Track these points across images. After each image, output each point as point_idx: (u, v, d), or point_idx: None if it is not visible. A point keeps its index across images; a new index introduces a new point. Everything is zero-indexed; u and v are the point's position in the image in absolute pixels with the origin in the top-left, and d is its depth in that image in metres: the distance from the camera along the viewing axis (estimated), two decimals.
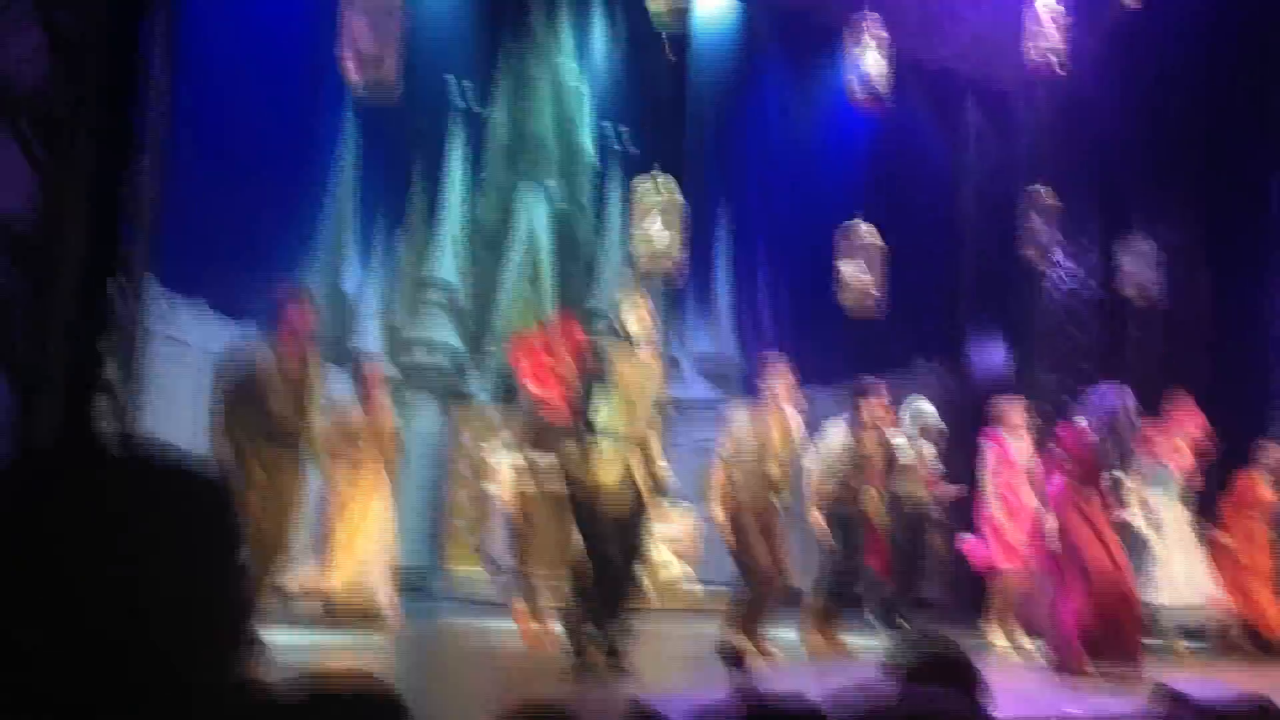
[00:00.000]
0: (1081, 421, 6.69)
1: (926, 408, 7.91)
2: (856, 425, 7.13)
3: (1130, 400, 6.70)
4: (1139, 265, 9.91)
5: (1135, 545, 7.74)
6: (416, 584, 9.02)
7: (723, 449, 6.51)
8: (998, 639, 7.42)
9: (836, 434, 7.13)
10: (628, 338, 5.76)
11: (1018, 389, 11.54)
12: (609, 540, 5.49)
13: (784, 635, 6.86)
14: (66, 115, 2.79)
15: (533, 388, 6.80)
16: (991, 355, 11.91)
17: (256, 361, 5.73)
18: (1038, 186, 9.41)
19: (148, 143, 6.54)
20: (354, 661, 5.68)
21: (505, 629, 6.94)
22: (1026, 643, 7.26)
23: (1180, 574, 7.67)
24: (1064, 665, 6.14)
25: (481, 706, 4.50)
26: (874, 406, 7.19)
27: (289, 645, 5.64)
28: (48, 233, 2.79)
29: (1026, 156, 11.62)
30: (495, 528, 7.28)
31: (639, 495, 5.61)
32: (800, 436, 6.76)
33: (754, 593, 6.44)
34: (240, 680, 0.85)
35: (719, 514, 6.49)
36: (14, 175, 2.78)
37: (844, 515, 7.03)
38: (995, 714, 4.29)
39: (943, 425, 7.92)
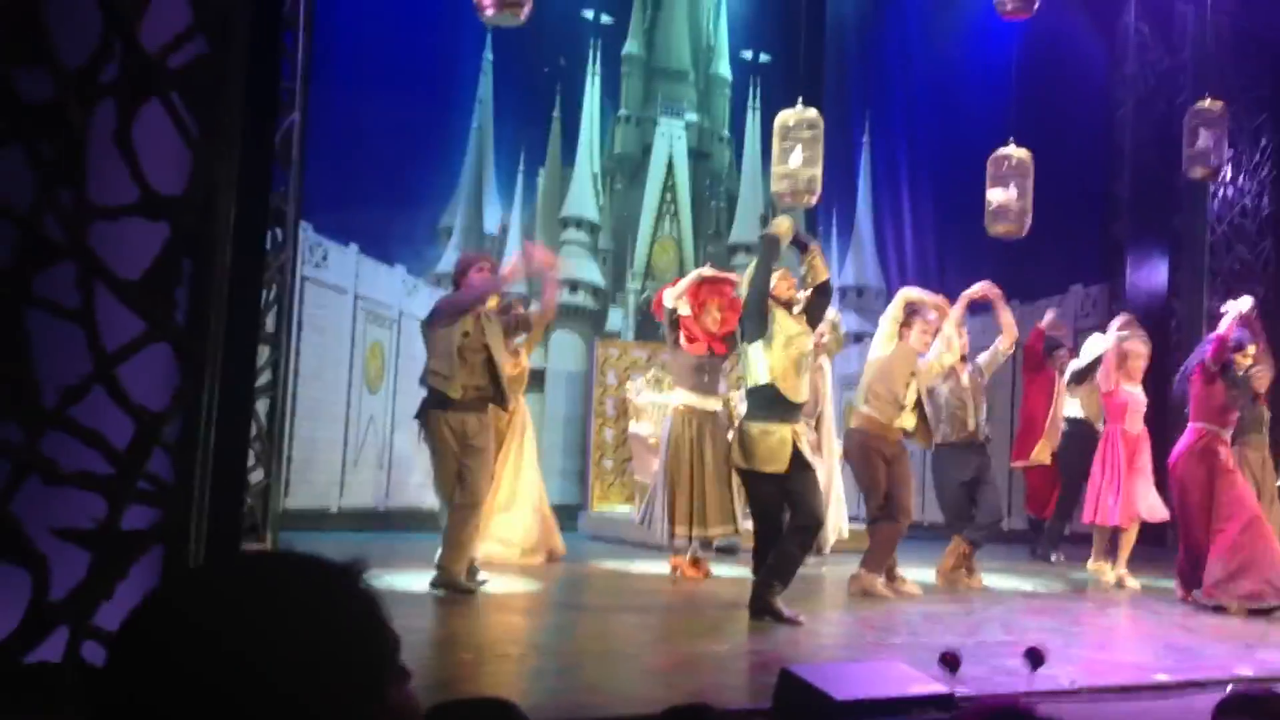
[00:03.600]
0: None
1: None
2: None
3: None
4: None
5: None
6: (565, 524, 9.16)
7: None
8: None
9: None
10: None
11: (1181, 312, 11.03)
12: (776, 502, 5.44)
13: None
14: (215, 85, 2.79)
15: (685, 344, 6.77)
16: (1153, 278, 11.38)
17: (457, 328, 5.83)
18: (1205, 101, 8.85)
19: (295, 98, 6.69)
20: (510, 603, 5.79)
21: (651, 573, 7.01)
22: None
23: None
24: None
25: (634, 661, 4.55)
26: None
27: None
28: (203, 202, 2.82)
29: (1191, 66, 10.96)
30: (642, 468, 7.31)
31: (801, 458, 5.46)
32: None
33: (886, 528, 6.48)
34: None
35: None
36: (171, 152, 2.81)
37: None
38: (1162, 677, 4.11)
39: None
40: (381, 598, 0.83)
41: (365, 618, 0.80)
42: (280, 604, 0.78)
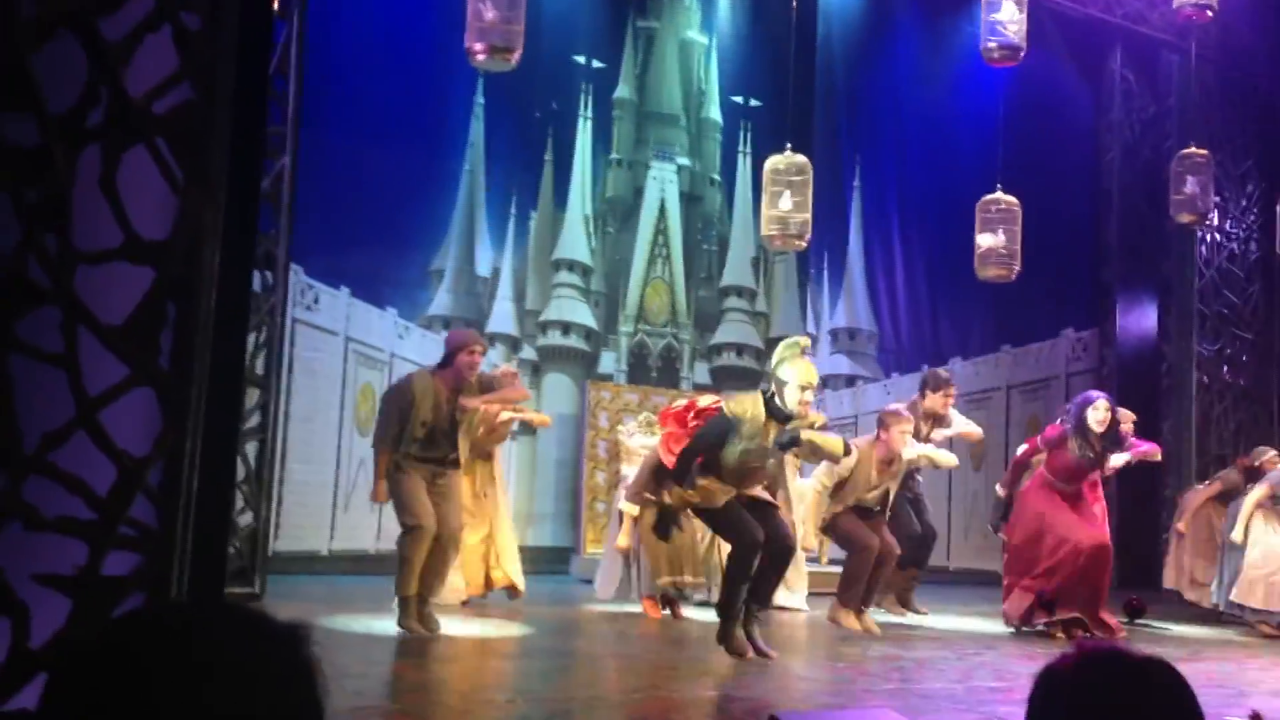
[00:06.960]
0: (1060, 423, 6.95)
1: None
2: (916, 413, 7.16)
3: (1103, 402, 6.80)
4: None
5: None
6: (557, 567, 9.12)
7: (821, 484, 6.67)
8: None
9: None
10: (784, 410, 5.17)
11: (1171, 357, 11.07)
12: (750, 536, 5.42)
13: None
14: (201, 131, 2.81)
15: (663, 456, 6.74)
16: (1142, 322, 11.44)
17: (415, 387, 5.79)
18: (1191, 148, 8.93)
19: (286, 142, 6.72)
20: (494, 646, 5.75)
21: (642, 615, 6.99)
22: None
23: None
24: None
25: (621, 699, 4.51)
26: (937, 400, 7.37)
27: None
28: (188, 246, 2.83)
29: (1177, 113, 11.07)
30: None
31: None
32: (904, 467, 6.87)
33: (856, 563, 6.57)
34: None
35: (814, 540, 6.76)
36: (157, 198, 2.83)
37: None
38: None
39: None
40: (319, 666, 0.83)
41: (301, 683, 0.80)
42: (219, 659, 0.78)
